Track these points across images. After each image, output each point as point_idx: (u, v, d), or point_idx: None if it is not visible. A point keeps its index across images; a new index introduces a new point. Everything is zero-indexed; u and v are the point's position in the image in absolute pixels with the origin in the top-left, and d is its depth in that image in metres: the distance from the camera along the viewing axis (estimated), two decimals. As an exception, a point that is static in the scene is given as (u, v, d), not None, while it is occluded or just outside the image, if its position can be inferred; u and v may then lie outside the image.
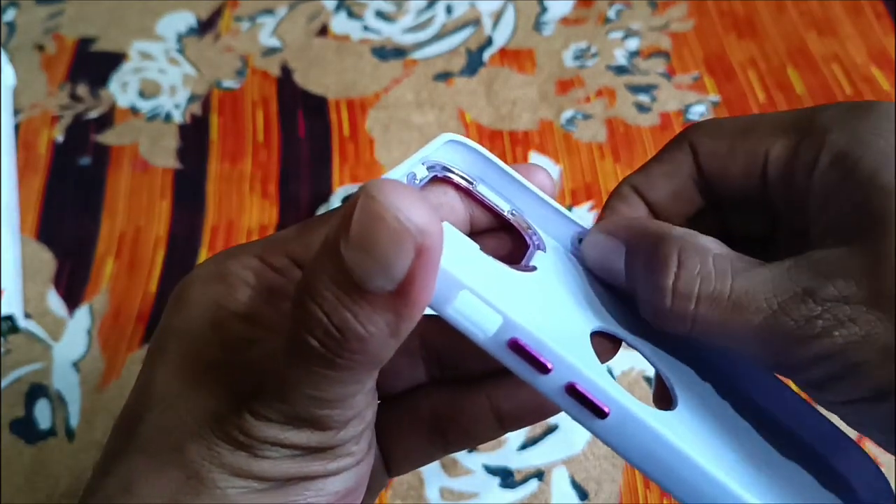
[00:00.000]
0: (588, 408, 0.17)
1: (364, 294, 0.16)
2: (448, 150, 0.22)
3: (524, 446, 0.38)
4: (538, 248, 0.23)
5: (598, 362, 0.20)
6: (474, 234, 0.23)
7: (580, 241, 0.24)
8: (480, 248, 0.21)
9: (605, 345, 0.21)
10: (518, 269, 0.21)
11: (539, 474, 0.37)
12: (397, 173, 0.21)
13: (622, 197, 0.24)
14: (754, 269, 0.19)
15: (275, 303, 0.20)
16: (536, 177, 0.23)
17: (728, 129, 0.23)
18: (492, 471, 0.37)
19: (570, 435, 0.38)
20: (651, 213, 0.24)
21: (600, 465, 0.37)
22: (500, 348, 0.18)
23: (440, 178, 0.22)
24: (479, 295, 0.17)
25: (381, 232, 0.15)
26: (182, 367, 0.20)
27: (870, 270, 0.18)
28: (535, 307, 0.20)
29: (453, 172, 0.22)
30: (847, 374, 0.18)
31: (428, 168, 0.22)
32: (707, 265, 0.19)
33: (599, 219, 0.24)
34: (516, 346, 0.17)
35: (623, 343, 0.22)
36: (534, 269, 0.22)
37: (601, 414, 0.17)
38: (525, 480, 0.37)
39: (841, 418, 0.20)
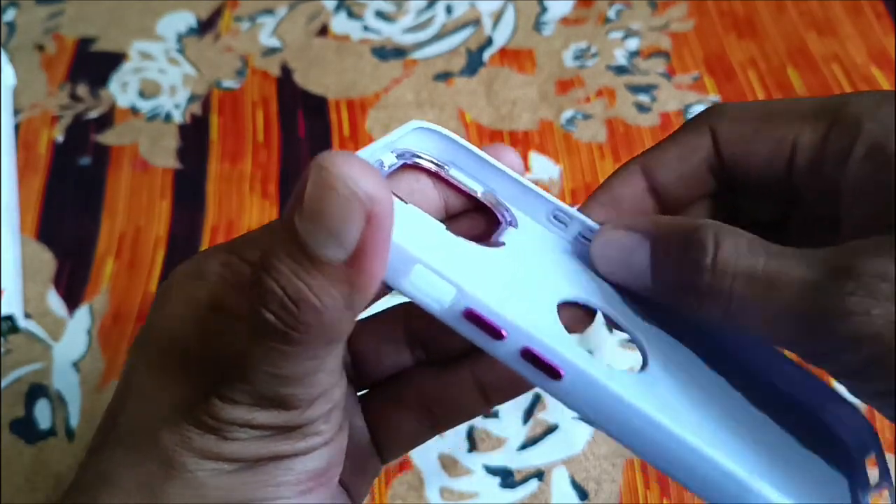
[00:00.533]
0: (543, 370, 0.18)
1: (318, 264, 0.16)
2: (417, 136, 0.23)
3: (524, 446, 0.38)
4: (510, 225, 0.23)
5: (562, 329, 0.20)
6: (451, 218, 0.24)
7: (585, 238, 0.23)
8: (448, 228, 0.21)
9: (577, 316, 0.21)
10: (485, 245, 0.21)
11: (539, 474, 0.37)
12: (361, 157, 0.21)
13: (623, 176, 0.24)
14: (788, 251, 0.19)
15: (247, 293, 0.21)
16: (505, 157, 0.24)
17: (751, 114, 0.22)
18: (492, 471, 0.37)
19: (570, 435, 0.38)
20: (653, 194, 0.23)
21: (600, 465, 0.37)
22: (457, 319, 0.18)
23: (411, 165, 0.23)
24: (431, 268, 0.18)
25: (331, 200, 0.16)
26: (159, 361, 0.20)
27: None
28: (496, 279, 0.20)
29: (423, 158, 0.23)
30: (885, 357, 0.17)
31: (397, 156, 0.22)
32: (742, 245, 0.19)
33: (589, 198, 0.24)
34: (471, 316, 0.18)
35: (620, 342, 0.22)
36: (502, 244, 0.22)
37: (556, 375, 0.18)
38: (525, 480, 0.37)
39: (879, 411, 0.19)
